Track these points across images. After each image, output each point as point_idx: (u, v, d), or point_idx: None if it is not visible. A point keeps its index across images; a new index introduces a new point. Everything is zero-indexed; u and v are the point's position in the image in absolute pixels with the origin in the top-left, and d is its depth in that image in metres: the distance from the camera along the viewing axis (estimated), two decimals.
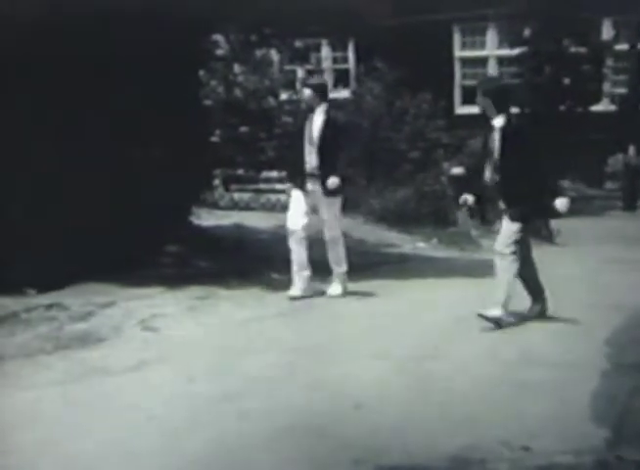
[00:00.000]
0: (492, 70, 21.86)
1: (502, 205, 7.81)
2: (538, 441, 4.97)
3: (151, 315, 8.19)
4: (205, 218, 13.13)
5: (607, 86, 20.86)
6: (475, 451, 4.84)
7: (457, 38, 21.96)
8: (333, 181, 8.77)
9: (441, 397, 5.82)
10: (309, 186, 8.95)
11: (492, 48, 21.89)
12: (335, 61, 22.17)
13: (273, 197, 16.64)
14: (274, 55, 18.47)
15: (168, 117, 9.84)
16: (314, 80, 10.60)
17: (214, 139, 14.85)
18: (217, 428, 5.29)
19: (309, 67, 20.26)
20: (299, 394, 5.91)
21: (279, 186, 17.39)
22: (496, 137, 7.70)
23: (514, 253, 7.61)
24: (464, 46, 22.08)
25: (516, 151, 7.59)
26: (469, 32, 22.00)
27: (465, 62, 22.13)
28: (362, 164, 15.52)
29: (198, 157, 11.42)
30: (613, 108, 20.62)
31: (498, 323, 7.52)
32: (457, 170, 15.76)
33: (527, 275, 7.89)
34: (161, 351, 7.09)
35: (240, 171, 17.95)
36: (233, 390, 5.98)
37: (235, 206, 16.67)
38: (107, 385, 6.20)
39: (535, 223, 9.72)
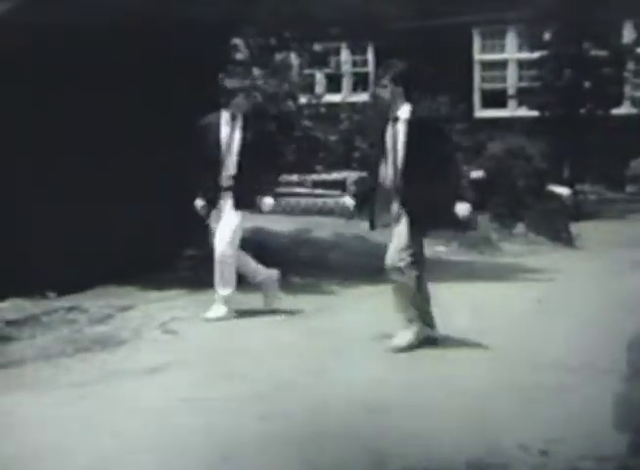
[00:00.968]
0: (512, 73, 21.81)
1: (397, 209, 6.91)
2: (559, 446, 4.94)
3: (170, 318, 8.20)
4: None
5: (628, 89, 20.76)
6: (494, 456, 4.82)
7: (477, 41, 21.91)
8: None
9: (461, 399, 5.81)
10: None
11: (512, 51, 21.83)
12: (354, 64, 22.17)
13: (293, 200, 16.63)
14: (293, 59, 18.48)
15: (188, 121, 9.86)
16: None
17: None
18: (235, 431, 5.29)
19: (328, 70, 20.29)
20: (320, 397, 5.90)
21: (298, 190, 17.40)
22: (400, 129, 6.89)
23: (412, 264, 6.81)
24: (483, 49, 22.03)
25: (421, 147, 6.74)
26: (488, 35, 21.95)
27: (484, 65, 22.08)
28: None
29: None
30: (634, 111, 20.51)
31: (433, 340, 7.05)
32: (477, 174, 15.72)
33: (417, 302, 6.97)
34: (180, 354, 7.09)
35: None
36: (251, 393, 5.98)
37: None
38: (126, 387, 6.21)
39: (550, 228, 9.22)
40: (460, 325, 7.45)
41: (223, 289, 8.20)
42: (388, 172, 6.98)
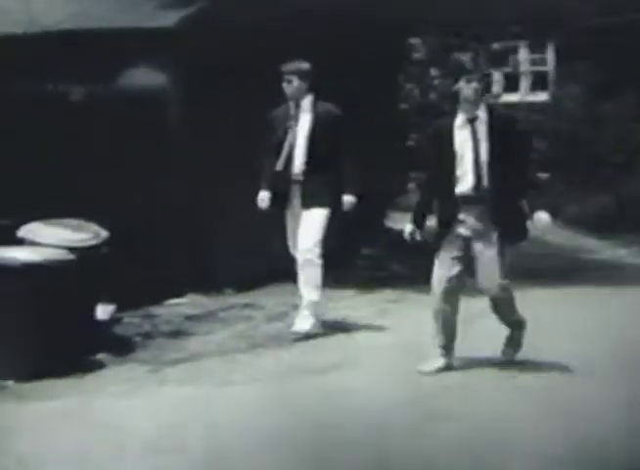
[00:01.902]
0: None
1: (480, 220, 6.31)
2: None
3: (344, 316, 8.22)
4: (399, 222, 13.10)
5: None
6: None
7: None
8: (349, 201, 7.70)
9: None
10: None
11: None
12: (533, 63, 21.71)
13: None
14: (470, 58, 18.26)
15: (369, 120, 9.89)
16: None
17: (410, 143, 14.81)
18: (406, 431, 5.24)
19: (507, 69, 19.95)
20: (485, 399, 5.78)
21: None
22: (481, 130, 6.31)
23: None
24: None
25: (504, 150, 6.21)
26: None
27: None
28: (561, 168, 15.14)
29: (393, 160, 11.42)
30: None
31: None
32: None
33: None
34: (353, 352, 7.10)
35: None
36: (421, 394, 5.92)
37: None
38: (301, 384, 6.25)
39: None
40: None
41: (309, 294, 7.58)
42: (466, 179, 6.26)
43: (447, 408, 5.63)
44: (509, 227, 6.28)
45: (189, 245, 8.71)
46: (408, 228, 6.57)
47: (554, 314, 7.93)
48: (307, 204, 7.51)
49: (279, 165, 7.58)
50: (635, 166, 16.22)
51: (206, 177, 8.95)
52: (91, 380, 6.44)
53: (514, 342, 6.60)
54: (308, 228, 7.53)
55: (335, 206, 7.61)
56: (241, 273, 8.91)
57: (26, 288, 6.54)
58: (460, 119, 6.31)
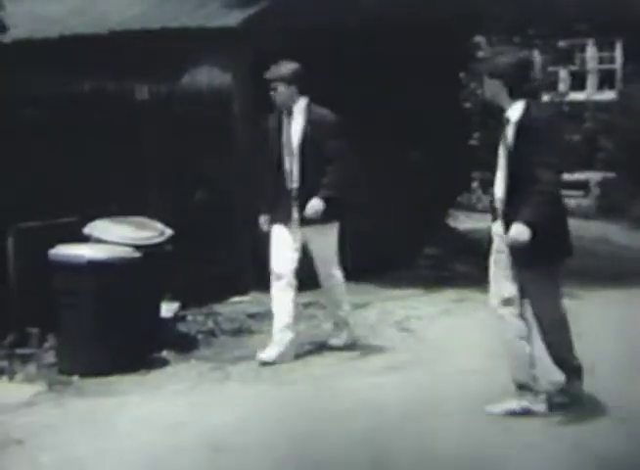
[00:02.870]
0: None
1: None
2: None
3: (406, 317, 8.20)
4: (463, 221, 13.02)
5: None
6: None
7: None
8: (313, 205, 6.80)
9: None
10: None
11: None
12: (600, 61, 21.41)
13: None
14: (536, 56, 18.08)
15: (431, 120, 9.85)
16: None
17: (473, 142, 14.71)
18: (464, 430, 5.22)
19: (573, 67, 19.70)
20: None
21: None
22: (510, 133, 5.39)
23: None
24: None
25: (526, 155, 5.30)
26: None
27: None
28: (628, 167, 14.91)
29: (457, 159, 11.35)
30: None
31: None
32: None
33: None
34: (415, 352, 7.07)
35: None
36: (485, 394, 5.86)
37: None
38: (361, 383, 6.24)
39: None
40: None
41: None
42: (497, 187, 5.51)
43: None
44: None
45: (252, 243, 8.74)
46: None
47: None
48: (306, 220, 6.82)
49: (276, 181, 6.93)
50: None
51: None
52: (154, 377, 6.50)
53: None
54: (322, 255, 7.00)
55: (339, 216, 6.93)
56: (303, 272, 8.91)
57: (92, 285, 6.63)
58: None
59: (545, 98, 17.55)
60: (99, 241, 6.86)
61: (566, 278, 9.55)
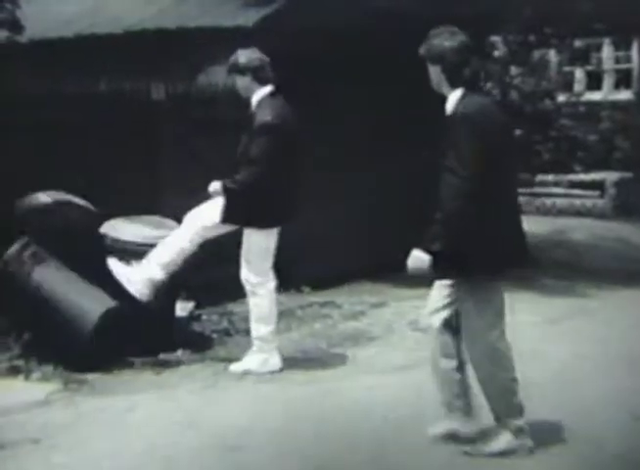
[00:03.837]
0: None
1: None
2: None
3: (416, 317, 8.18)
4: None
5: None
6: None
7: None
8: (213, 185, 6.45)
9: None
10: None
11: None
12: (617, 61, 21.33)
13: (548, 201, 16.25)
14: (552, 56, 18.03)
15: (440, 119, 9.80)
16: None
17: None
18: None
19: (589, 67, 19.64)
20: (571, 402, 5.69)
21: (554, 190, 16.98)
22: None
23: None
24: None
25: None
26: None
27: None
28: None
29: None
30: None
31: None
32: None
33: None
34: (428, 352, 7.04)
35: None
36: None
37: None
38: (373, 382, 6.24)
39: None
40: None
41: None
42: None
43: None
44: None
45: None
46: None
47: None
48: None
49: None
50: None
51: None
52: (169, 376, 6.50)
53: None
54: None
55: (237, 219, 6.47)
56: (318, 271, 8.92)
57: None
58: None
59: (561, 98, 17.53)
60: (115, 240, 6.87)
61: (581, 278, 9.62)
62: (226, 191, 6.38)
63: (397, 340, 7.49)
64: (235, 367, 6.53)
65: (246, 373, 6.45)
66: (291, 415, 5.53)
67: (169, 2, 9.67)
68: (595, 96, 20.09)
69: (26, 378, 6.41)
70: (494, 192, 4.67)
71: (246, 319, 7.84)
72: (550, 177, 16.99)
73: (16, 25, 8.68)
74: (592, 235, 12.45)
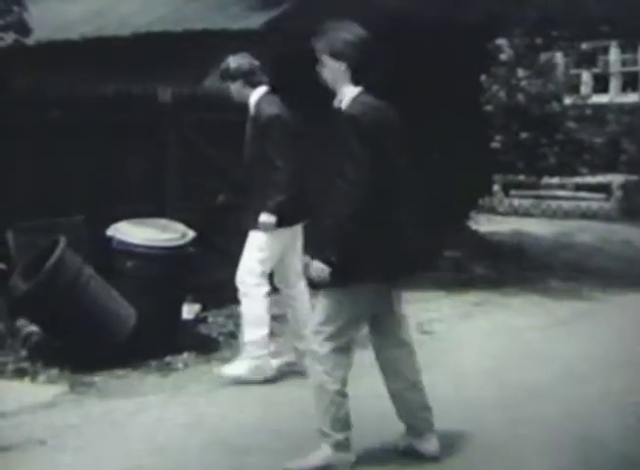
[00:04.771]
0: None
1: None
2: None
3: (427, 319, 8.19)
4: (484, 224, 13.01)
5: None
6: None
7: None
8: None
9: None
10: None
11: None
12: (623, 63, 21.32)
13: (554, 203, 16.25)
14: (559, 58, 18.03)
15: (449, 122, 9.82)
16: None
17: (495, 145, 14.70)
18: (492, 434, 5.21)
19: (596, 70, 19.65)
20: (576, 405, 5.69)
21: (560, 193, 16.98)
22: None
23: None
24: None
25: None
26: None
27: None
28: None
29: (478, 162, 11.34)
30: None
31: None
32: None
33: None
34: (436, 354, 7.05)
35: (520, 177, 17.69)
36: (504, 398, 5.85)
37: (514, 212, 16.46)
38: (376, 384, 6.23)
39: None
40: None
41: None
42: None
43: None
44: None
45: None
46: None
47: None
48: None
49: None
50: None
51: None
52: (175, 378, 6.51)
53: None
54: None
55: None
56: None
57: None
58: None
59: (567, 101, 17.53)
60: (121, 243, 6.87)
61: (587, 281, 9.62)
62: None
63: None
64: (226, 371, 6.44)
65: (235, 380, 6.36)
66: (296, 417, 5.53)
67: (176, 5, 9.70)
68: (602, 99, 20.09)
69: (33, 380, 6.43)
70: (384, 198, 4.65)
71: None
72: (556, 180, 17.00)
73: (23, 28, 8.70)
74: (598, 238, 12.46)
